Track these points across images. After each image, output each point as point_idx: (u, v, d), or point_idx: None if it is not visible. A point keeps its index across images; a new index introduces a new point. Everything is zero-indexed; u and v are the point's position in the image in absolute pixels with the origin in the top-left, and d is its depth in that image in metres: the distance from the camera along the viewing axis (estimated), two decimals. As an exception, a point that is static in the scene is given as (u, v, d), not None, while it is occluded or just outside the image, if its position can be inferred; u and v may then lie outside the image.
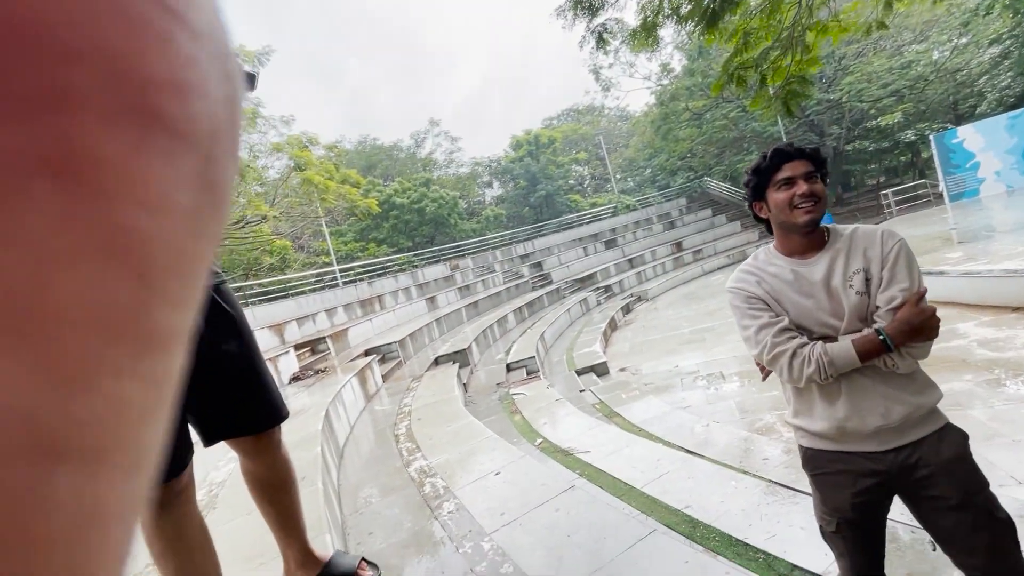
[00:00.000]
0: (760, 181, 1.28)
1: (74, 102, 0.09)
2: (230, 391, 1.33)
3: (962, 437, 1.20)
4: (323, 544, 1.83)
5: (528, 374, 6.60)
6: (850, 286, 1.18)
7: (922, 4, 4.18)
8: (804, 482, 2.77)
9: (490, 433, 3.50)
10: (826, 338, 1.20)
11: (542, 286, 15.28)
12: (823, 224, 1.26)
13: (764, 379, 1.42)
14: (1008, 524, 1.14)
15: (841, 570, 1.34)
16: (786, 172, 1.23)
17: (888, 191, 17.12)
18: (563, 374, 6.88)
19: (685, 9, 3.86)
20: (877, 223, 15.18)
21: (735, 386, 5.39)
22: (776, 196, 1.25)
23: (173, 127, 0.10)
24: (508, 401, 5.46)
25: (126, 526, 0.10)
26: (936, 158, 15.53)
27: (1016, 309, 5.10)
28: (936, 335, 1.14)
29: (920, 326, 1.11)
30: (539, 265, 17.10)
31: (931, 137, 15.91)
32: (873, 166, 22.89)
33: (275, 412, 1.40)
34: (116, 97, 0.09)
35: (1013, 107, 17.02)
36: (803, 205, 1.21)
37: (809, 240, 1.26)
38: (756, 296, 1.26)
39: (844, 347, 1.15)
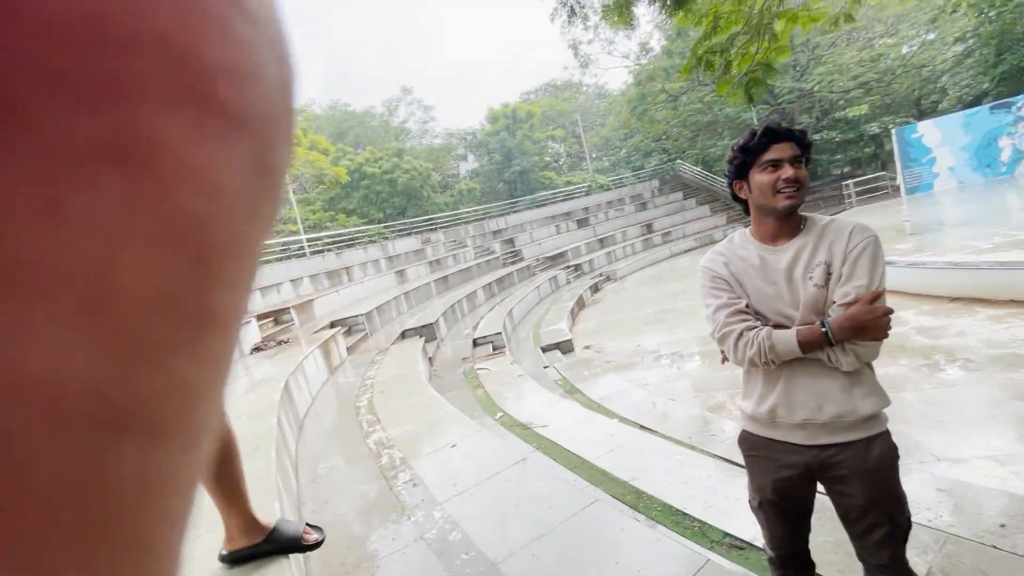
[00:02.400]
0: (745, 160, 1.25)
1: (135, 90, 0.09)
2: None
3: (891, 451, 1.21)
4: (270, 512, 1.85)
5: (494, 349, 6.67)
6: (809, 278, 1.18)
7: (890, -2, 4.26)
8: (745, 457, 2.93)
9: (450, 407, 3.55)
10: (781, 326, 1.21)
11: (513, 263, 15.31)
12: (801, 212, 1.25)
13: (722, 362, 1.46)
14: (903, 527, 1.21)
15: (764, 540, 1.44)
16: (773, 153, 1.20)
17: (850, 182, 17.70)
18: (529, 350, 6.98)
19: (658, -12, 3.84)
20: (837, 212, 15.74)
21: (694, 365, 5.59)
22: (760, 178, 1.23)
23: (230, 113, 0.10)
24: (472, 376, 5.52)
25: (185, 497, 0.10)
26: (896, 151, 16.10)
27: (954, 299, 5.42)
28: (884, 336, 1.12)
29: (866, 325, 1.10)
30: (511, 241, 17.08)
31: (893, 131, 16.45)
32: (839, 156, 23.54)
33: None
34: (175, 84, 0.09)
35: (971, 105, 17.71)
36: (786, 190, 1.19)
37: (783, 226, 1.24)
38: (721, 277, 1.27)
39: (787, 335, 1.16)
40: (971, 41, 19.38)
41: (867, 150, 22.21)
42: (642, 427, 3.63)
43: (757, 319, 1.23)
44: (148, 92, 0.09)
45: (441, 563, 1.75)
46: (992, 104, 14.89)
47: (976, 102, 18.23)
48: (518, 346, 7.40)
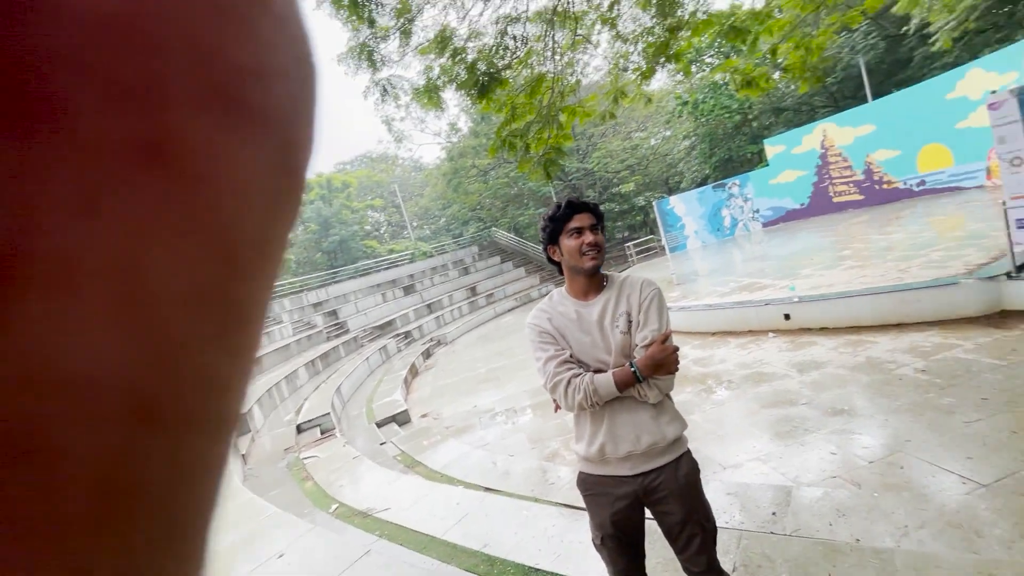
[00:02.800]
0: (555, 228, 1.43)
1: (168, 92, 0.09)
2: None
3: (694, 467, 1.45)
4: None
5: (323, 433, 6.03)
6: (616, 326, 1.37)
7: (639, 103, 5.48)
8: (582, 498, 3.12)
9: (273, 509, 3.06)
10: (599, 371, 1.37)
11: (338, 335, 14.35)
12: (602, 271, 1.46)
13: (555, 411, 1.58)
14: (711, 532, 1.44)
15: (609, 573, 1.54)
16: (576, 222, 1.40)
17: (629, 244, 21.41)
18: (363, 427, 6.49)
19: (461, 78, 4.30)
20: (624, 268, 18.71)
21: (527, 419, 5.84)
22: (567, 243, 1.41)
23: (256, 112, 0.10)
24: (298, 467, 4.88)
25: (214, 484, 0.11)
26: (658, 219, 20.17)
27: (714, 334, 6.81)
28: (676, 369, 1.34)
29: (662, 361, 1.30)
30: (334, 313, 16.07)
31: (654, 203, 20.68)
32: (619, 223, 28.47)
33: None
34: (204, 85, 0.10)
35: (700, 184, 23.33)
36: (589, 252, 1.39)
37: (590, 283, 1.43)
38: (547, 331, 1.41)
39: (606, 378, 1.33)
40: (693, 138, 25.79)
41: (638, 218, 27.21)
42: (487, 489, 3.62)
43: (580, 367, 1.38)
44: (179, 92, 0.09)
45: None
46: (713, 184, 19.88)
47: (704, 182, 24.05)
48: (351, 425, 6.83)
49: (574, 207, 1.43)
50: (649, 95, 5.53)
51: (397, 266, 21.83)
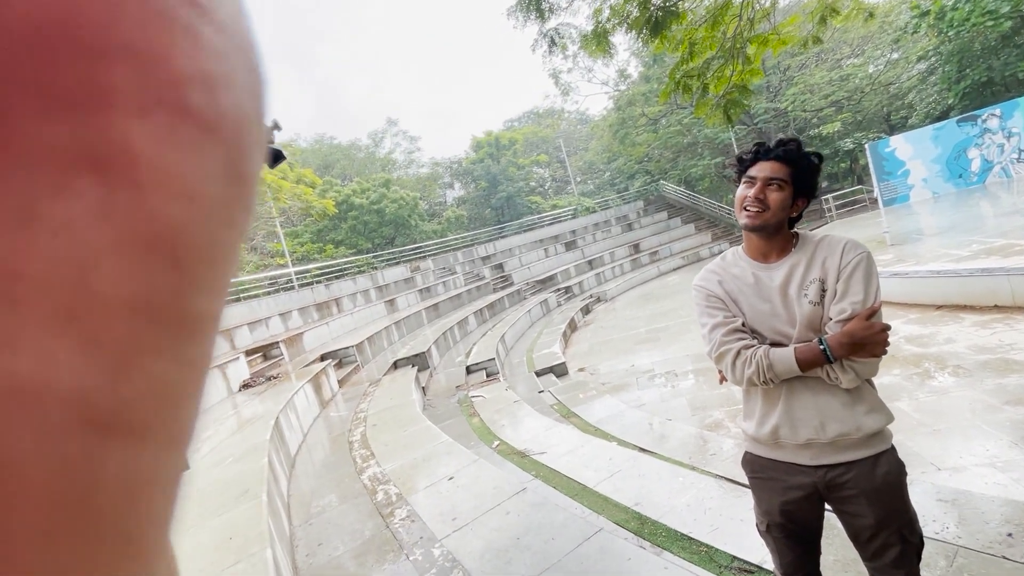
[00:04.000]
0: (739, 171, 1.27)
1: (109, 99, 0.09)
2: None
3: (898, 467, 1.20)
4: (262, 561, 1.77)
5: (488, 376, 6.60)
6: (804, 295, 1.17)
7: (856, 21, 4.44)
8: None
9: (446, 437, 3.48)
10: (778, 344, 1.19)
11: (503, 288, 15.31)
12: (797, 230, 1.25)
13: (720, 382, 1.44)
14: (916, 545, 1.19)
15: (774, 564, 1.40)
16: (754, 170, 1.21)
17: (828, 196, 18.13)
18: (523, 375, 6.92)
19: (632, 17, 3.97)
20: (818, 226, 16.04)
21: (689, 384, 5.56)
22: (738, 191, 1.24)
23: (202, 120, 0.10)
24: (467, 404, 5.44)
25: (169, 494, 0.10)
26: (871, 165, 16.58)
27: (939, 307, 5.50)
28: (883, 352, 1.11)
29: (864, 341, 1.09)
30: (500, 267, 17.12)
31: (866, 146, 16.98)
32: (816, 172, 24.21)
33: None
34: (148, 92, 0.09)
35: (939, 119, 18.37)
36: (749, 208, 1.20)
37: (771, 243, 1.23)
38: (716, 295, 1.26)
39: (785, 353, 1.14)
40: (933, 59, 20.22)
41: (842, 165, 22.80)
42: (641, 449, 3.58)
43: (754, 337, 1.22)
44: (120, 99, 0.09)
45: (442, 604, 1.68)
46: (959, 118, 15.47)
47: (943, 116, 18.93)
48: (512, 371, 7.33)
49: (761, 152, 1.22)
50: (871, 8, 4.43)
51: (560, 221, 22.12)
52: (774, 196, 1.20)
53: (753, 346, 1.18)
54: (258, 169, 0.12)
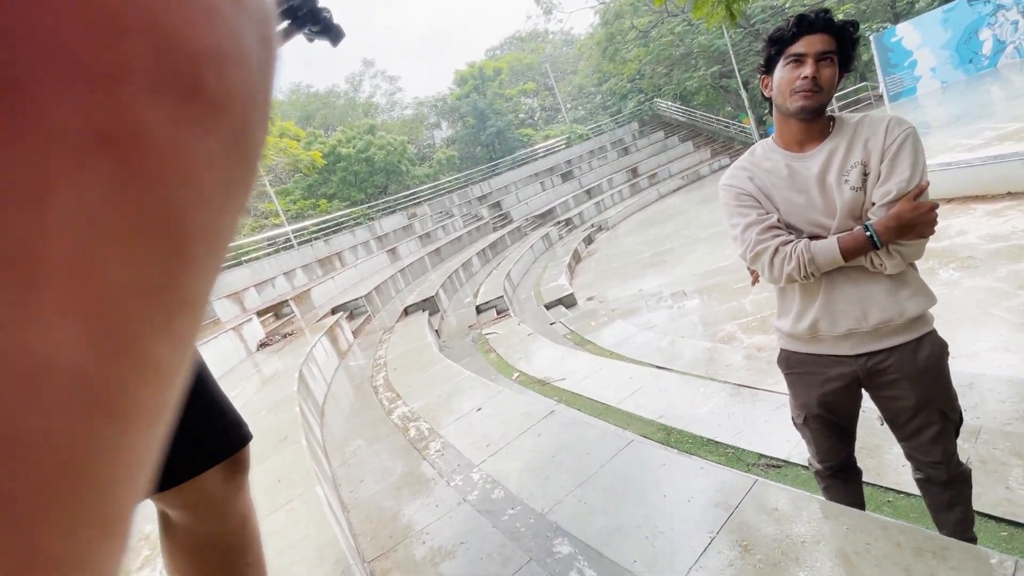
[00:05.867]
0: (774, 52, 1.13)
1: (125, 75, 0.09)
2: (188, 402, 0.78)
3: (941, 348, 1.17)
4: (314, 497, 1.86)
5: (498, 313, 6.66)
6: (845, 181, 1.09)
7: None
8: (767, 382, 2.96)
9: (467, 373, 3.55)
10: (816, 237, 1.13)
11: (503, 226, 15.15)
12: (832, 113, 1.16)
13: (753, 284, 1.41)
14: (955, 423, 1.19)
15: (810, 454, 1.45)
16: (801, 46, 1.08)
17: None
18: (532, 310, 6.99)
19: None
20: (822, 130, 15.51)
21: (696, 302, 5.61)
22: (780, 74, 1.12)
23: (211, 98, 0.10)
24: (481, 341, 5.53)
25: (145, 473, 0.10)
26: (876, 59, 15.76)
27: (950, 200, 5.41)
28: (931, 232, 1.06)
29: (913, 222, 1.03)
30: (498, 205, 16.86)
31: (871, 37, 16.03)
32: (817, 73, 23.06)
33: (240, 425, 0.88)
34: (163, 69, 0.09)
35: (948, 0, 17.24)
36: (801, 89, 1.08)
37: (808, 129, 1.14)
38: (747, 193, 1.19)
39: (828, 244, 1.09)
40: (942, -68, 18.66)
41: (845, 62, 21.70)
42: (658, 367, 3.66)
43: (790, 233, 1.17)
44: (137, 76, 0.09)
45: (489, 521, 1.77)
46: (969, -4, 14.47)
47: (952, -3, 17.73)
48: (521, 307, 7.40)
49: (806, 25, 1.07)
50: None
51: (553, 152, 21.50)
52: (826, 73, 1.08)
53: (791, 241, 1.13)
54: (261, 148, 0.12)
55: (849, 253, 1.08)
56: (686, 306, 5.63)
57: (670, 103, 23.35)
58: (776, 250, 1.14)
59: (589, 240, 12.10)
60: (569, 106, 33.01)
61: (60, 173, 0.08)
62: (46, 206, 0.08)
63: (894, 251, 1.07)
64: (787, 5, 20.63)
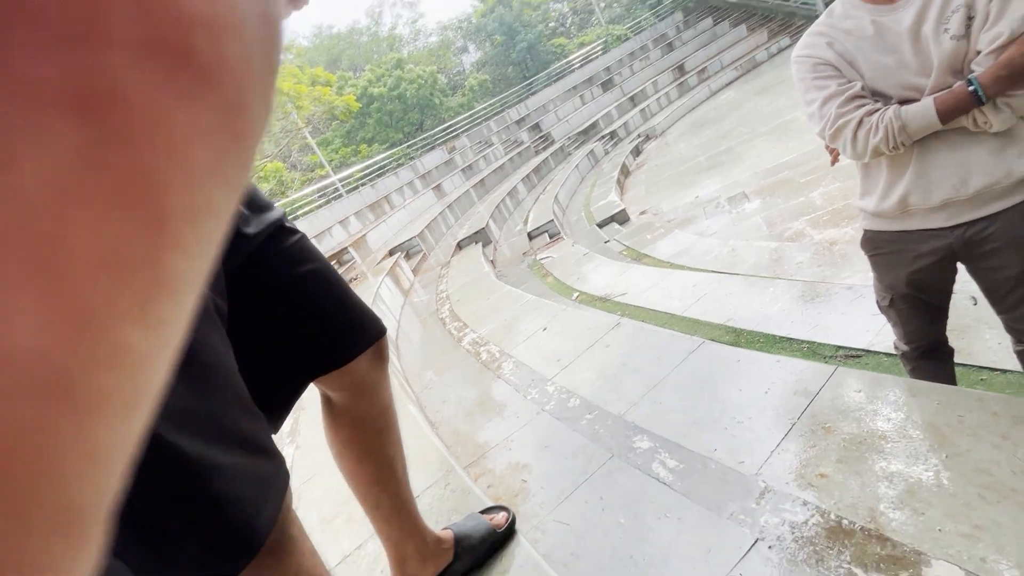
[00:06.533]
0: None
1: (105, 34, 0.08)
2: (324, 306, 0.92)
3: None
4: (408, 415, 2.04)
5: (551, 238, 6.64)
6: (945, 30, 0.96)
7: None
8: (841, 275, 2.83)
9: (529, 297, 3.64)
10: (907, 101, 1.02)
11: (545, 148, 14.67)
12: None
13: (832, 163, 1.31)
14: None
15: (896, 336, 1.39)
16: None
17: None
18: (585, 230, 6.90)
19: None
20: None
21: (759, 203, 5.31)
22: None
23: (203, 67, 0.09)
24: (537, 267, 5.58)
25: (117, 467, 0.10)
26: None
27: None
28: None
29: None
30: (537, 127, 16.23)
31: None
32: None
33: (377, 319, 0.99)
34: (147, 31, 0.09)
35: None
36: None
37: None
38: (825, 62, 1.08)
39: (922, 106, 0.98)
40: None
41: None
42: (722, 273, 3.58)
43: (876, 100, 1.06)
44: (118, 36, 0.08)
45: (568, 426, 1.88)
46: None
47: None
48: (573, 229, 7.32)
49: None
50: None
51: (590, 61, 20.09)
52: None
53: (878, 110, 1.03)
54: (263, 128, 0.11)
55: (948, 114, 0.97)
56: (747, 208, 5.35)
57: (718, -17, 20.81)
58: (860, 122, 1.04)
59: (637, 151, 11.52)
60: (603, 5, 30.22)
61: (26, 135, 0.08)
62: (9, 170, 0.08)
63: (1002, 104, 0.95)
64: None
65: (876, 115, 1.03)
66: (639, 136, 12.59)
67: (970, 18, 0.95)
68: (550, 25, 29.06)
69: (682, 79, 16.33)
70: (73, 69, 0.08)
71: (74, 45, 0.08)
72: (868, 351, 1.97)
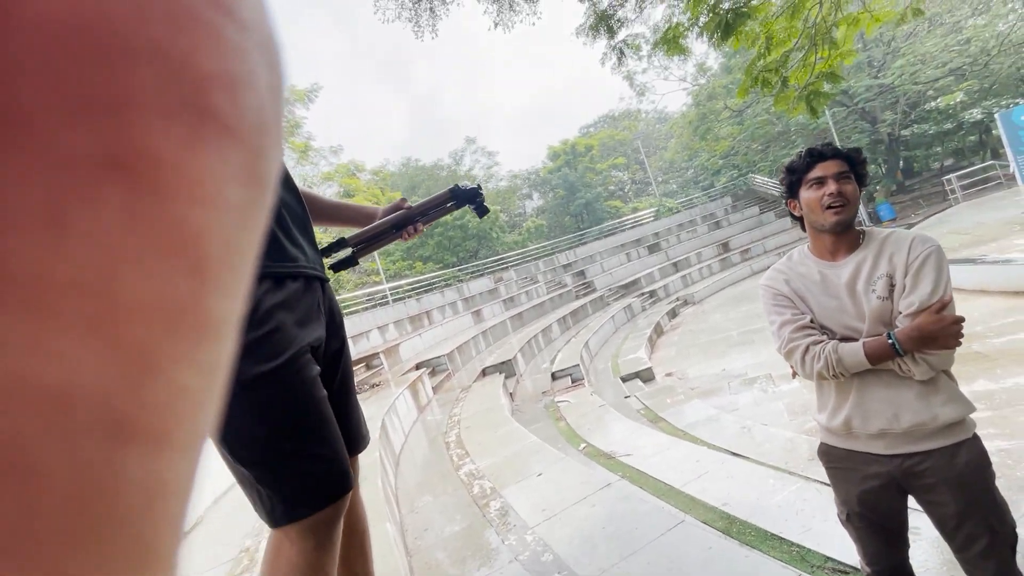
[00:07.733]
0: (794, 179, 1.31)
1: (134, 101, 0.09)
2: (341, 397, 1.17)
3: (980, 457, 1.18)
4: (383, 532, 2.06)
5: (573, 382, 6.71)
6: (872, 291, 1.18)
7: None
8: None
9: (534, 438, 3.67)
10: (848, 339, 1.22)
11: (585, 294, 15.30)
12: (866, 226, 1.29)
13: (793, 376, 1.48)
14: (1006, 537, 1.15)
15: (859, 556, 1.42)
16: (818, 172, 1.24)
17: (952, 176, 16.04)
18: (608, 381, 6.94)
19: (703, 22, 3.95)
20: (941, 210, 14.25)
21: (788, 387, 5.29)
22: (807, 195, 1.26)
23: (224, 122, 0.10)
24: (553, 408, 5.60)
25: (182, 502, 0.10)
26: (1004, 137, 14.45)
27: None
28: (956, 344, 1.11)
29: (934, 334, 1.09)
30: (582, 273, 17.13)
31: (997, 116, 14.83)
32: (937, 149, 21.45)
33: (367, 433, 1.25)
34: (172, 94, 0.09)
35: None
36: (833, 206, 1.22)
37: (840, 241, 1.26)
38: (783, 295, 1.31)
39: (854, 347, 1.17)
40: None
41: (970, 139, 20.12)
42: (731, 453, 3.52)
43: (823, 333, 1.26)
44: (145, 102, 0.09)
45: (536, 582, 1.85)
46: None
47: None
48: (597, 377, 7.38)
49: (816, 155, 1.27)
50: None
51: (641, 224, 21.66)
52: (849, 188, 1.24)
53: (822, 341, 1.22)
54: (275, 171, 0.12)
55: (874, 358, 1.15)
56: (775, 391, 5.32)
57: (766, 178, 22.81)
58: (807, 349, 1.23)
59: (673, 314, 11.83)
60: (660, 179, 33.39)
61: (72, 198, 0.08)
62: (59, 231, 0.08)
63: (920, 359, 1.13)
64: (895, 82, 19.88)
65: (819, 346, 1.22)
66: (678, 299, 13.01)
67: (892, 285, 1.18)
68: (609, 188, 32.09)
69: (726, 255, 17.20)
70: (109, 136, 0.09)
71: (108, 111, 0.09)
72: (856, 569, 1.89)
